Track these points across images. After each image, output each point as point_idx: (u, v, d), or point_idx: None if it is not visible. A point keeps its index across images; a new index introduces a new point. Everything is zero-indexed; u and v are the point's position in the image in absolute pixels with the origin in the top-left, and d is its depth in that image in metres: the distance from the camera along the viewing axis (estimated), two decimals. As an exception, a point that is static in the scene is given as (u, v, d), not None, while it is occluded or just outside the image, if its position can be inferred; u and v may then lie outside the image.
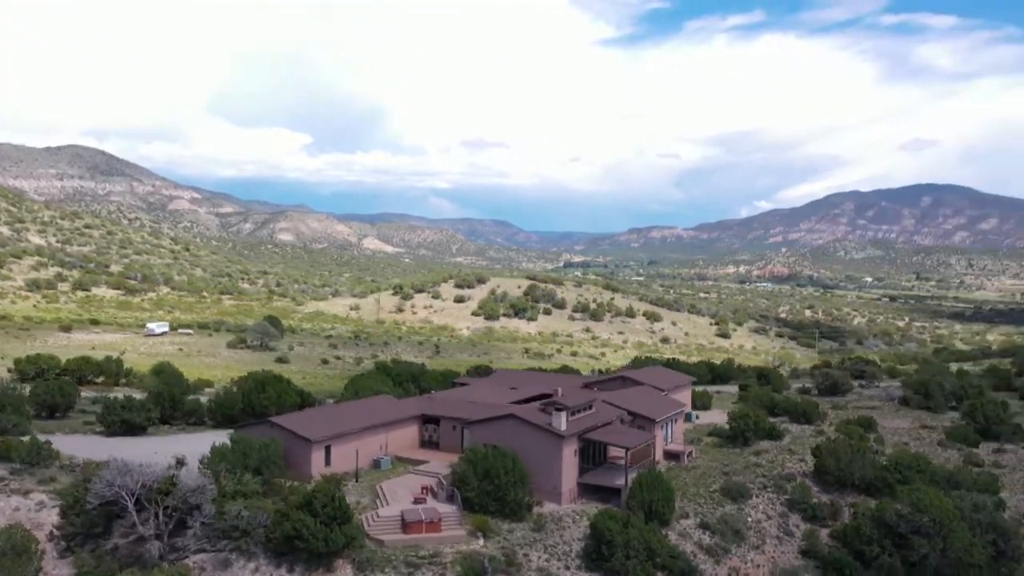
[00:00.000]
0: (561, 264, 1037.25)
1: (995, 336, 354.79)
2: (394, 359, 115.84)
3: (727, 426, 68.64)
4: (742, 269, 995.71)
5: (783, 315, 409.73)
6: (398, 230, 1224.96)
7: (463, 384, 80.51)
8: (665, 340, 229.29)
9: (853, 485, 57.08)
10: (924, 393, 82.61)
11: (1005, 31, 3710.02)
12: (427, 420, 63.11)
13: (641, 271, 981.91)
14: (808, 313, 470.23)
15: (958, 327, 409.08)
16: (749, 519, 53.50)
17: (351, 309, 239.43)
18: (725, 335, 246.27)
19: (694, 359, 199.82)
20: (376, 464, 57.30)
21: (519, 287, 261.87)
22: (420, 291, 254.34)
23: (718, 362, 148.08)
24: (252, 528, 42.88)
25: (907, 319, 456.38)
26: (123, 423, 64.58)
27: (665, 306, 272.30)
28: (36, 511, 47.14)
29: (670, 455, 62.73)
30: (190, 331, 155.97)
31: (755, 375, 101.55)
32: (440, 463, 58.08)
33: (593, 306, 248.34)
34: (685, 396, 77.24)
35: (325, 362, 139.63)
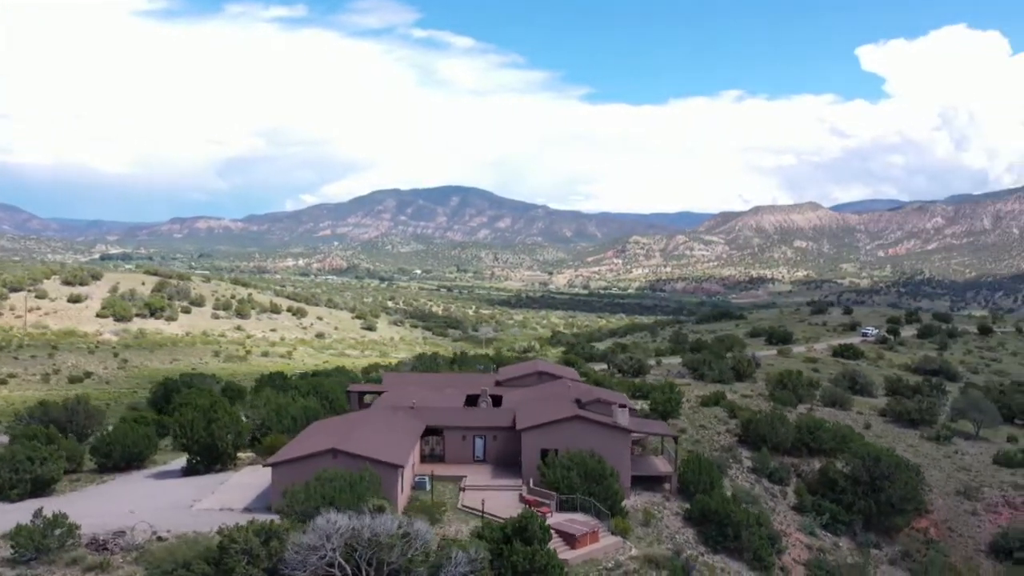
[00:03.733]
0: (96, 256, 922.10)
1: (557, 319, 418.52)
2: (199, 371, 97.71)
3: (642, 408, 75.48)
4: (301, 262, 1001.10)
5: (365, 303, 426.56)
6: None
7: (365, 392, 74.21)
8: (321, 335, 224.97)
9: (777, 448, 68.73)
10: (709, 367, 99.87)
11: (511, 57, 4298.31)
12: (427, 432, 58.26)
13: (193, 264, 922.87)
14: (391, 304, 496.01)
15: (521, 313, 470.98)
16: (746, 486, 61.60)
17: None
18: (371, 328, 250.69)
19: (368, 353, 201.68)
20: (419, 486, 51.86)
21: (143, 283, 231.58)
22: (16, 290, 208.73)
23: (423, 353, 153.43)
24: (470, 571, 37.33)
25: (474, 307, 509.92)
26: (33, 481, 47.14)
27: (303, 301, 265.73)
28: (149, 610, 34.07)
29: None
30: None
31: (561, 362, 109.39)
32: (481, 476, 54.92)
33: (235, 303, 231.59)
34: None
35: (3, 382, 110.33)
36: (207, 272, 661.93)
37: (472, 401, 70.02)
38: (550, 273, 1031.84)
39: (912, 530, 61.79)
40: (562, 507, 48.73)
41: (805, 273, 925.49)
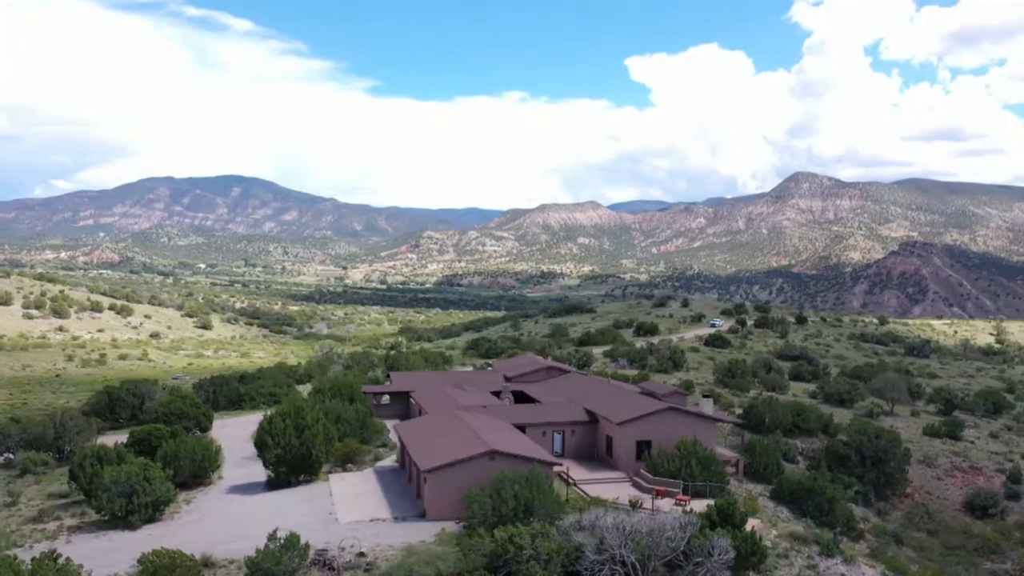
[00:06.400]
0: None
1: (378, 315, 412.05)
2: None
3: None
4: (63, 255, 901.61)
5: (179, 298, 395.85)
6: None
7: (379, 393, 70.95)
8: (156, 335, 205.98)
9: (775, 430, 74.90)
10: (641, 358, 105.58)
11: (293, 44, 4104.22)
12: (508, 431, 57.31)
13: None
14: (190, 300, 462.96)
15: (340, 309, 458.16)
16: (775, 466, 66.65)
17: None
18: (206, 327, 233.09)
19: (224, 352, 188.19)
20: (532, 484, 51.28)
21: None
22: None
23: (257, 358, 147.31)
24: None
25: (280, 303, 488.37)
26: (152, 504, 41.30)
27: (124, 298, 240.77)
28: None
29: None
30: None
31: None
32: (573, 470, 55.08)
33: (49, 301, 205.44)
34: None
35: None
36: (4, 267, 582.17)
37: (496, 397, 69.65)
38: (344, 268, 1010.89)
39: (904, 496, 70.29)
40: (685, 491, 50.57)
41: (590, 268, 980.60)
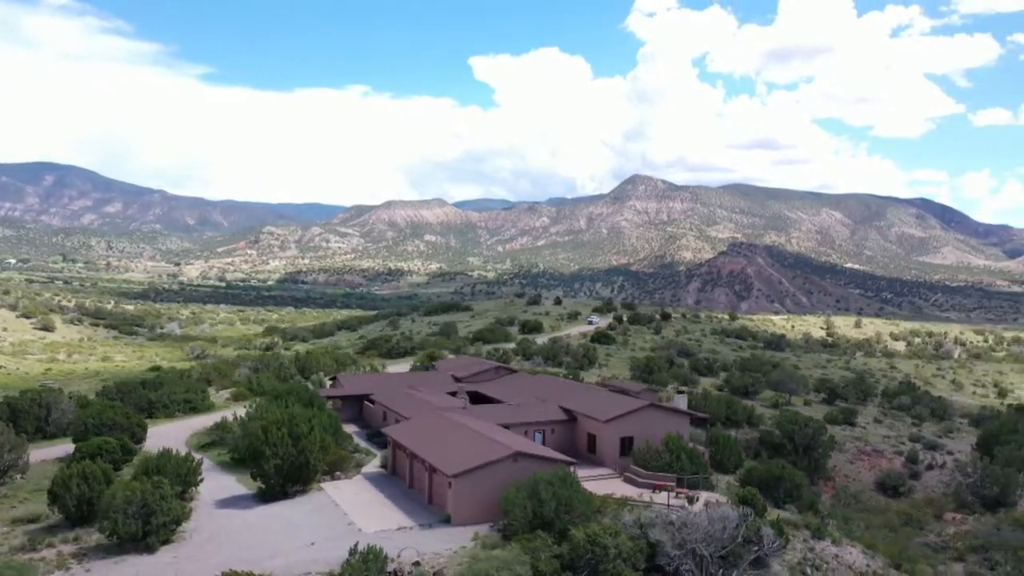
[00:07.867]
0: None
1: (228, 314, 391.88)
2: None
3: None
4: None
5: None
6: None
7: (331, 397, 68.03)
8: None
9: (712, 422, 78.83)
10: (554, 355, 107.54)
11: (115, 23, 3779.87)
12: (491, 431, 56.80)
13: None
14: (7, 297, 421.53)
15: (185, 308, 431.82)
16: (722, 457, 70.22)
17: None
18: (48, 328, 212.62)
19: (79, 356, 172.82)
20: (533, 484, 51.34)
21: None
22: None
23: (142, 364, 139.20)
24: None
25: (113, 302, 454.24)
26: (169, 524, 37.84)
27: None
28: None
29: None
30: None
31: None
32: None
33: None
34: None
35: None
36: None
37: (452, 398, 68.95)
38: (178, 264, 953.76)
39: (829, 480, 76.08)
40: (681, 484, 52.39)
41: (438, 266, 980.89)
